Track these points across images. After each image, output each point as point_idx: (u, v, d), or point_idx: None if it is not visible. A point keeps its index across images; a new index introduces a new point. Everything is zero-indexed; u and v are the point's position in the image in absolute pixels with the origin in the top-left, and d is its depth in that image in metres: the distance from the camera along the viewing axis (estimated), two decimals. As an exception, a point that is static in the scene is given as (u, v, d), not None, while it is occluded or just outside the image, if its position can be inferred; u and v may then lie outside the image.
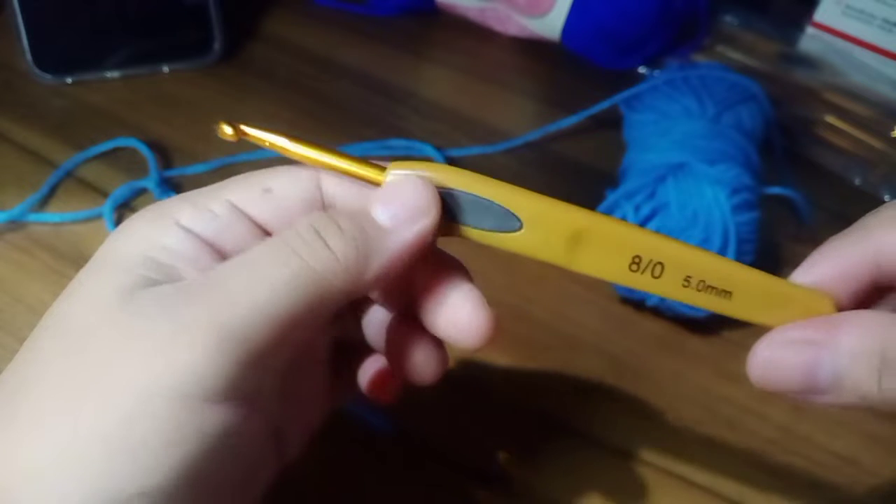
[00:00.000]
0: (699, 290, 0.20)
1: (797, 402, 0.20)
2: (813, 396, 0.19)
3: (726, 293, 0.20)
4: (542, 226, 0.20)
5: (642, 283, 0.20)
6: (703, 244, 0.33)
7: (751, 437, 0.32)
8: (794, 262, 0.44)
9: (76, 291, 0.19)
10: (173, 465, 0.17)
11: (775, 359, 0.20)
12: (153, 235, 0.19)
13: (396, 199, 0.20)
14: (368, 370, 0.26)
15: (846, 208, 0.44)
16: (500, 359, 0.34)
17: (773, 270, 0.43)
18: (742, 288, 0.20)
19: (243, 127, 0.20)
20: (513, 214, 0.20)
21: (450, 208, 0.20)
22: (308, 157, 0.20)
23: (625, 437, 0.32)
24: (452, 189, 0.20)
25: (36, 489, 0.16)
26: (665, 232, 0.34)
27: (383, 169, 0.20)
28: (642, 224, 0.34)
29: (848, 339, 0.18)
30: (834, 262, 0.21)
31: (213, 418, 0.17)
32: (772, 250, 0.40)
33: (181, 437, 0.17)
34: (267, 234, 0.21)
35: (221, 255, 0.20)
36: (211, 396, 0.17)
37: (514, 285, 0.36)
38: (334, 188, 0.21)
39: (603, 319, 0.36)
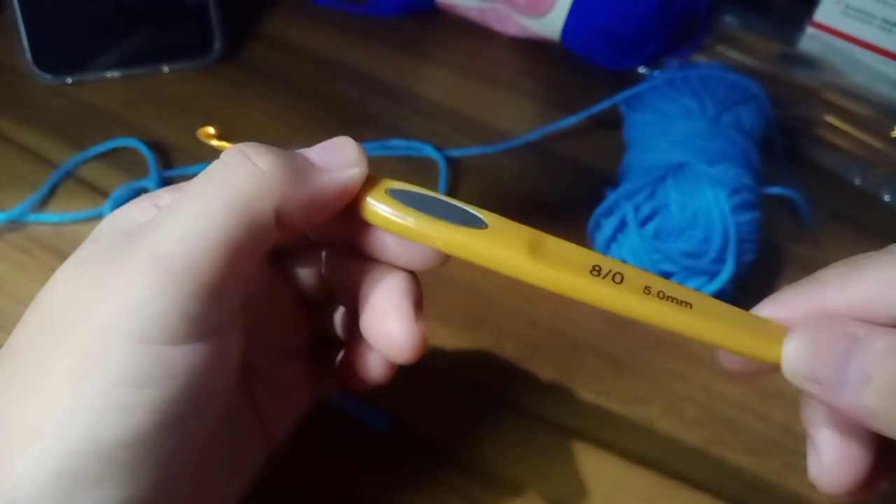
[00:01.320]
0: (660, 299, 0.20)
1: (813, 402, 0.20)
2: (836, 391, 0.18)
3: (687, 304, 0.20)
4: (504, 228, 0.21)
5: (604, 291, 0.20)
6: (703, 244, 0.33)
7: (751, 437, 0.32)
8: (794, 262, 0.45)
9: (63, 270, 0.20)
10: (145, 408, 0.17)
11: (812, 342, 0.19)
12: (133, 213, 0.20)
13: (327, 145, 0.21)
14: (341, 361, 0.26)
15: (846, 208, 0.44)
16: (500, 358, 0.34)
17: (773, 270, 0.43)
18: (702, 302, 0.20)
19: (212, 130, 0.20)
20: (476, 216, 0.20)
21: (417, 205, 0.20)
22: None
23: (625, 438, 0.32)
24: (422, 192, 0.21)
25: (14, 450, 0.17)
26: (665, 232, 0.34)
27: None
28: (642, 224, 0.34)
29: (882, 340, 0.18)
30: (785, 309, 0.20)
31: (177, 358, 0.17)
32: (772, 250, 0.40)
33: (147, 380, 0.17)
34: None
35: None
36: (171, 336, 0.17)
37: (514, 286, 0.36)
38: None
39: (603, 319, 0.36)
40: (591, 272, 0.20)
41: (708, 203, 0.33)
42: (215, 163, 0.19)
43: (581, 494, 0.30)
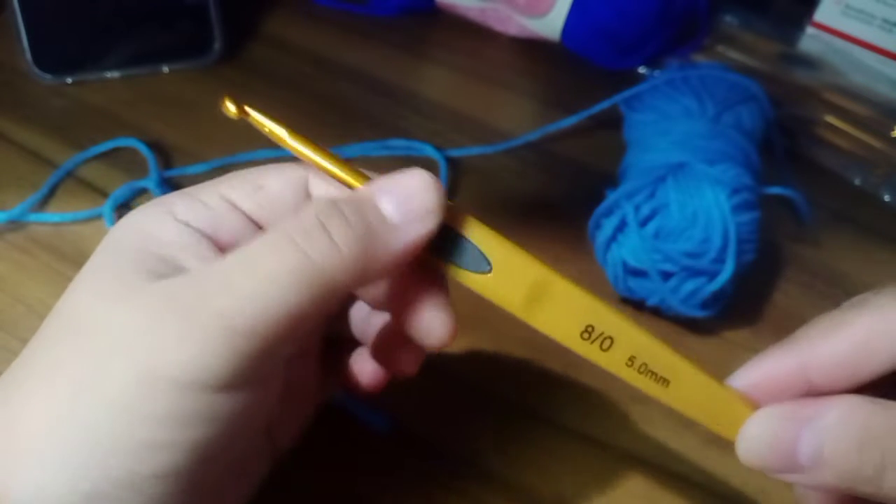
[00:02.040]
0: (640, 373, 0.21)
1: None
2: (795, 474, 0.20)
3: (664, 381, 0.21)
4: (508, 273, 0.21)
5: (589, 352, 0.21)
6: (703, 244, 0.33)
7: (751, 437, 0.32)
8: (794, 262, 0.45)
9: (82, 283, 0.19)
10: (185, 447, 0.17)
11: (760, 433, 0.20)
12: (152, 229, 0.20)
13: (406, 193, 0.20)
14: (354, 363, 0.26)
15: (846, 208, 0.44)
16: (500, 358, 0.34)
17: (773, 270, 0.43)
18: (680, 379, 0.21)
19: (247, 108, 0.20)
20: (485, 258, 0.21)
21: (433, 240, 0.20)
22: (302, 154, 0.20)
23: (625, 438, 0.32)
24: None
25: (46, 470, 0.17)
26: (665, 232, 0.34)
27: (367, 178, 0.20)
28: (643, 224, 0.34)
29: (831, 415, 0.19)
30: (763, 373, 0.21)
31: (219, 404, 0.18)
32: (772, 250, 0.40)
33: (191, 422, 0.17)
34: (260, 228, 0.22)
35: (219, 245, 0.20)
36: (217, 386, 0.17)
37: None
38: (321, 191, 0.21)
39: (603, 319, 0.36)
40: (581, 335, 0.21)
41: (708, 203, 0.33)
42: (295, 223, 0.19)
43: (581, 494, 0.30)
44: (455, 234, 0.20)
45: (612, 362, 0.21)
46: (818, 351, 0.20)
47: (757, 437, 0.20)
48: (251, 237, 0.20)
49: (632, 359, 0.21)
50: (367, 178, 0.20)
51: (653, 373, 0.21)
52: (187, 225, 0.20)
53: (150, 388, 0.17)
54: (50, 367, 0.18)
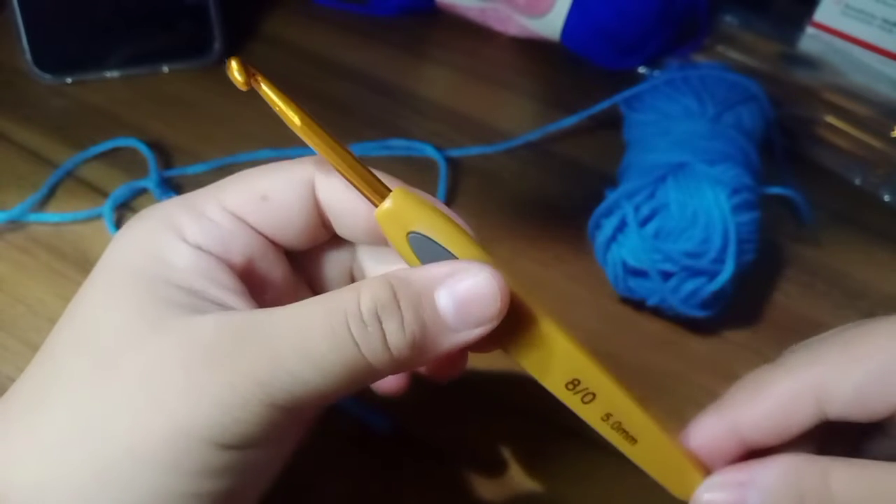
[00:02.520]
0: (613, 429, 0.22)
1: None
2: None
3: (632, 439, 0.22)
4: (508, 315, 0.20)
5: (571, 401, 0.22)
6: (703, 244, 0.33)
7: (751, 437, 0.32)
8: (794, 263, 0.45)
9: (96, 304, 0.19)
10: (212, 496, 0.18)
11: (713, 501, 0.22)
12: (164, 254, 0.19)
13: (468, 296, 0.19)
14: None
15: (846, 208, 0.44)
16: (500, 358, 0.34)
17: (773, 270, 0.43)
18: (645, 440, 0.22)
19: (259, 78, 0.18)
20: None
21: (429, 258, 0.20)
22: (316, 146, 0.19)
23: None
24: (439, 244, 0.19)
25: (69, 500, 0.17)
26: (665, 232, 0.34)
27: (388, 190, 0.19)
28: (642, 224, 0.34)
29: (769, 476, 0.20)
30: (701, 437, 0.23)
31: (246, 458, 0.18)
32: (772, 250, 0.40)
33: (215, 475, 0.18)
34: (268, 239, 0.21)
35: (231, 265, 0.20)
36: (247, 446, 0.18)
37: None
38: (329, 194, 0.21)
39: (603, 319, 0.36)
40: (567, 385, 0.21)
41: (708, 203, 0.33)
42: (352, 306, 0.18)
43: (581, 493, 0.30)
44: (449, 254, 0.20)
45: (589, 415, 0.22)
46: (745, 413, 0.22)
47: None
48: (263, 252, 0.20)
49: (608, 415, 0.22)
50: (383, 186, 0.19)
51: (624, 431, 0.22)
52: (199, 248, 0.20)
53: (183, 444, 0.17)
54: (76, 406, 0.18)
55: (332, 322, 0.18)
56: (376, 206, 0.19)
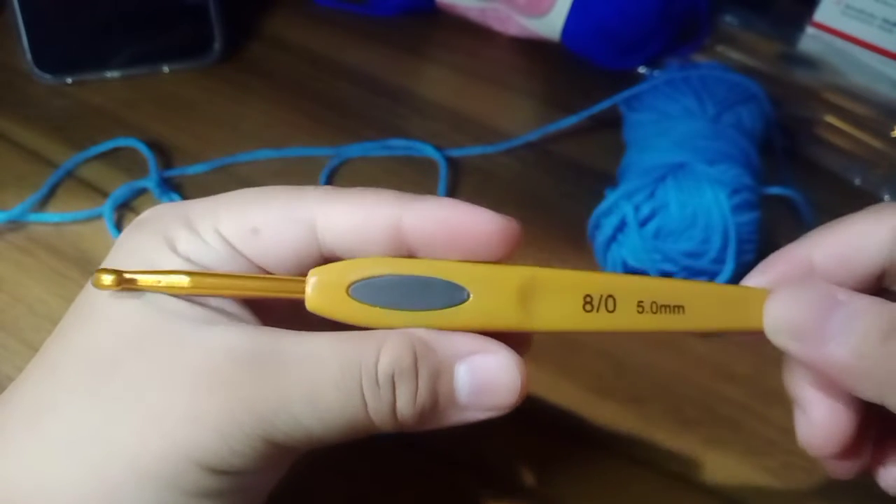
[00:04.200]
0: (654, 313, 0.20)
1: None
2: (818, 345, 0.19)
3: (679, 308, 0.20)
4: (489, 288, 0.19)
5: (600, 322, 0.20)
6: (703, 244, 0.33)
7: (751, 437, 0.32)
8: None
9: (97, 313, 0.19)
10: None
11: (789, 305, 0.20)
12: (160, 265, 0.19)
13: (487, 379, 0.19)
14: None
15: (846, 208, 0.44)
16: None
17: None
18: (693, 300, 0.21)
19: (126, 275, 0.18)
20: (457, 286, 0.19)
21: (392, 297, 0.19)
22: (214, 291, 0.19)
23: (624, 438, 0.32)
24: (390, 275, 0.19)
25: None
26: (665, 232, 0.34)
27: (302, 281, 0.19)
28: (642, 224, 0.34)
29: (862, 300, 0.19)
30: (777, 267, 0.22)
31: (242, 482, 0.18)
32: (772, 250, 0.40)
33: (209, 495, 0.18)
34: (261, 269, 0.20)
35: None
36: (231, 472, 0.18)
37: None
38: (332, 237, 0.20)
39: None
40: (584, 308, 0.20)
41: (708, 203, 0.33)
42: (369, 366, 0.18)
43: (581, 494, 0.30)
44: (416, 279, 0.19)
45: (623, 319, 0.20)
46: (822, 243, 0.21)
47: (791, 300, 0.20)
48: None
49: (640, 304, 0.20)
50: (300, 282, 0.19)
51: (665, 307, 0.20)
52: (188, 260, 0.19)
53: (182, 466, 0.17)
54: (74, 412, 0.18)
55: (345, 372, 0.18)
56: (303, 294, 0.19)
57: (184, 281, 0.18)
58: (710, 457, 0.31)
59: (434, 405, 0.19)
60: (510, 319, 0.19)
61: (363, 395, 0.18)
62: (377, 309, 0.19)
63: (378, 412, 0.18)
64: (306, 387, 0.18)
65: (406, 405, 0.18)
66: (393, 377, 0.18)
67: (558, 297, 0.20)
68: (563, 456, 0.31)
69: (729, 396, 0.33)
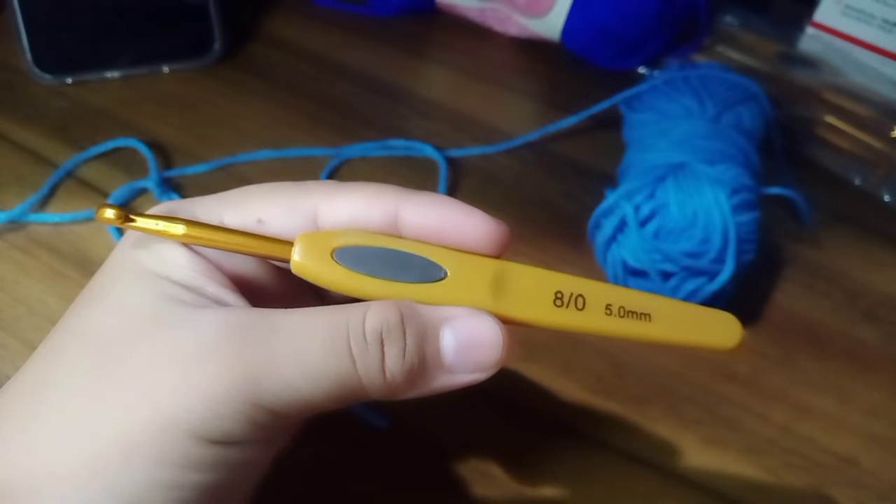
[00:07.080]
0: (622, 317, 0.21)
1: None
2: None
3: (646, 316, 0.21)
4: (466, 269, 0.20)
5: (569, 318, 0.21)
6: (703, 244, 0.33)
7: (751, 437, 0.32)
8: (795, 263, 0.45)
9: (102, 299, 0.19)
10: (195, 489, 0.18)
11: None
12: (162, 253, 0.20)
13: (471, 340, 0.19)
14: None
15: (846, 208, 0.44)
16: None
17: (773, 270, 0.43)
18: (660, 311, 0.21)
19: (132, 216, 0.19)
20: (436, 265, 0.20)
21: (374, 267, 0.20)
22: (208, 242, 0.19)
23: (624, 438, 0.32)
24: (375, 246, 0.20)
25: (64, 488, 0.17)
26: (665, 232, 0.34)
27: (290, 243, 0.19)
28: (642, 224, 0.34)
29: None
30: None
31: (230, 455, 0.18)
32: (772, 250, 0.40)
33: (203, 468, 0.18)
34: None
35: (228, 274, 0.20)
36: (231, 443, 0.18)
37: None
38: (332, 225, 0.21)
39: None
40: (554, 302, 0.21)
41: (708, 203, 0.33)
42: (356, 327, 0.18)
43: (580, 494, 0.30)
44: (398, 252, 0.20)
45: (591, 319, 0.21)
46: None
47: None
48: (260, 271, 0.20)
49: (608, 307, 0.21)
50: (288, 244, 0.19)
51: (632, 313, 0.21)
52: (194, 251, 0.20)
53: (169, 436, 0.17)
54: (76, 392, 0.18)
55: (333, 333, 0.18)
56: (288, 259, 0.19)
57: (179, 228, 0.19)
58: (710, 456, 0.31)
59: (421, 365, 0.19)
60: (483, 300, 0.20)
61: (351, 353, 0.18)
62: (360, 275, 0.19)
63: (367, 370, 0.18)
64: (293, 345, 0.18)
65: (395, 363, 0.18)
66: (381, 335, 0.18)
67: (530, 288, 0.21)
68: (563, 455, 0.31)
69: (729, 396, 0.33)
